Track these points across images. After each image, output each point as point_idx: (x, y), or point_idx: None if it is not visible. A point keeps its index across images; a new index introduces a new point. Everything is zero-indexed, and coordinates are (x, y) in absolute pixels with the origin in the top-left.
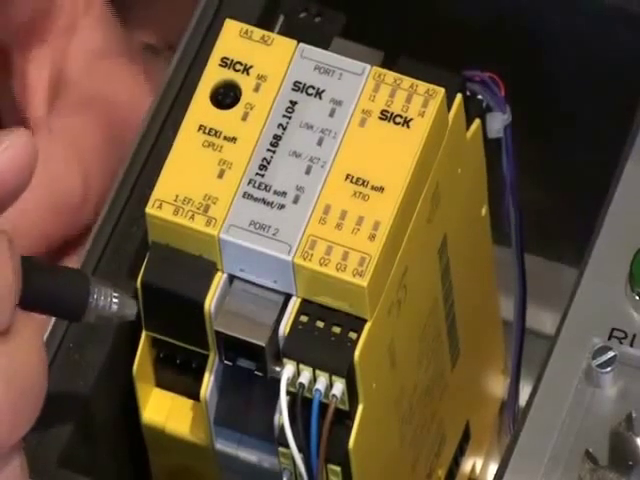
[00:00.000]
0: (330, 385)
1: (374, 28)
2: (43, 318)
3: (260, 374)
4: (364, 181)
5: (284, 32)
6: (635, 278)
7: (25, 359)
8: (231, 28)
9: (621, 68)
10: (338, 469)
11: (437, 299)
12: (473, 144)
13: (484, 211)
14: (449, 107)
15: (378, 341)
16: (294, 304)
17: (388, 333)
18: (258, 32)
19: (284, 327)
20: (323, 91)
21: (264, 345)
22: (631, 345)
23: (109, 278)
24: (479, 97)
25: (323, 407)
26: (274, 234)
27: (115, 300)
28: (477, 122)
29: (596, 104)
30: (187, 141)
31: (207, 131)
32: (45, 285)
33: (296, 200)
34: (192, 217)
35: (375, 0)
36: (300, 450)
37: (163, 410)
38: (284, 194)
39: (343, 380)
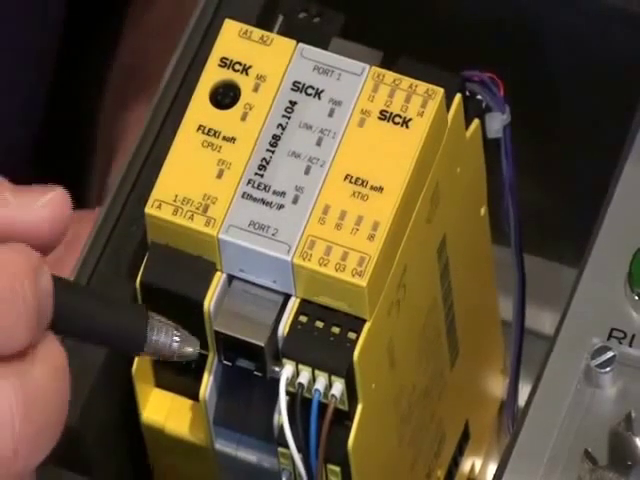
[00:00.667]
0: (329, 385)
1: (373, 28)
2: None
3: (259, 374)
4: (363, 181)
5: (283, 32)
6: (634, 278)
7: (47, 385)
8: (230, 28)
9: (621, 68)
10: (337, 469)
11: (436, 299)
12: (472, 144)
13: (483, 211)
14: (448, 107)
15: (377, 341)
16: (293, 304)
17: (387, 333)
18: (257, 32)
19: (283, 327)
20: (322, 91)
21: (263, 345)
22: (630, 345)
23: (109, 278)
24: (478, 97)
25: (322, 407)
26: (273, 234)
27: (176, 338)
28: (476, 122)
29: (596, 104)
30: (186, 141)
31: (206, 131)
32: (102, 317)
33: (295, 200)
34: (191, 217)
35: (374, 0)
36: (299, 450)
37: (162, 410)
38: (283, 194)
39: (342, 380)
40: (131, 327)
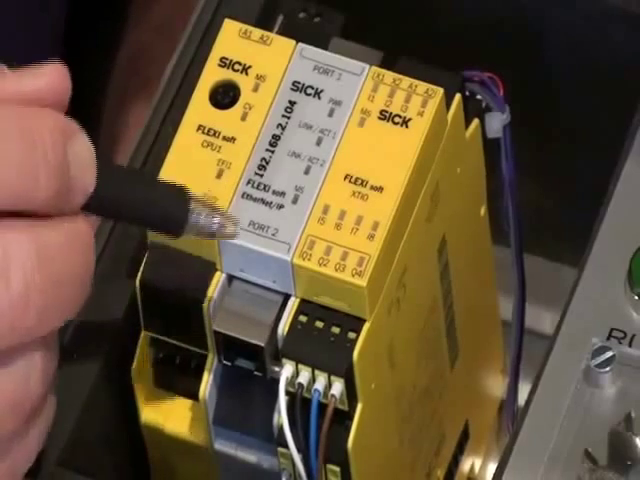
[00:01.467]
0: (329, 385)
1: (373, 28)
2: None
3: (259, 374)
4: (363, 181)
5: (283, 32)
6: (634, 278)
7: (65, 252)
8: (230, 28)
9: (621, 68)
10: (337, 469)
11: (436, 299)
12: (472, 144)
13: (483, 211)
14: (448, 107)
15: (377, 341)
16: (293, 304)
17: (387, 333)
18: (257, 32)
19: (283, 327)
20: (322, 91)
21: (263, 345)
22: (630, 345)
23: (109, 278)
24: (478, 97)
25: (322, 407)
26: (273, 234)
27: (216, 220)
28: (476, 122)
29: (596, 104)
30: (186, 141)
31: (206, 131)
32: (144, 196)
33: (295, 200)
34: None
35: (374, 0)
36: (299, 450)
37: (162, 410)
38: (283, 194)
39: (342, 380)
40: (172, 208)
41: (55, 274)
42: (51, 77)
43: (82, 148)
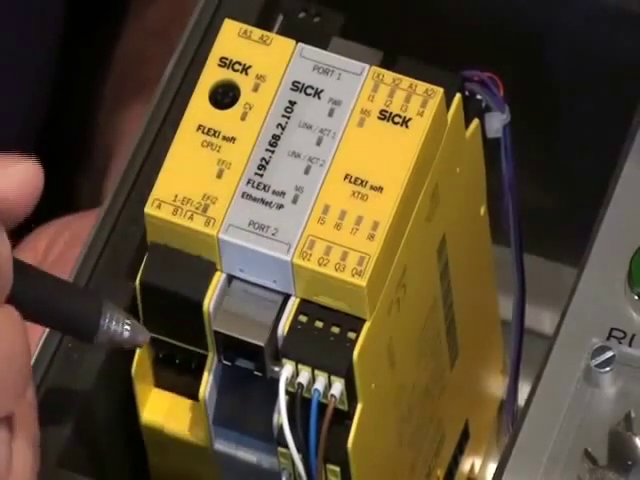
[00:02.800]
0: (329, 385)
1: (373, 28)
2: None
3: (259, 374)
4: (363, 181)
5: (283, 32)
6: (634, 278)
7: (5, 329)
8: (230, 28)
9: (621, 68)
10: (337, 469)
11: (436, 299)
12: (472, 144)
13: (483, 211)
14: (448, 107)
15: (377, 341)
16: (293, 304)
17: (387, 333)
18: (257, 32)
19: (283, 327)
20: (322, 91)
21: (263, 345)
22: (630, 345)
23: (108, 278)
24: (478, 97)
25: (322, 407)
26: (273, 234)
27: (127, 327)
28: (476, 122)
29: (596, 104)
30: (186, 141)
31: (206, 131)
32: (56, 301)
33: (295, 200)
34: (191, 217)
35: (374, 0)
36: (299, 450)
37: (162, 410)
38: (283, 194)
39: (342, 380)
40: (84, 314)
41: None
42: (22, 178)
43: (3, 246)
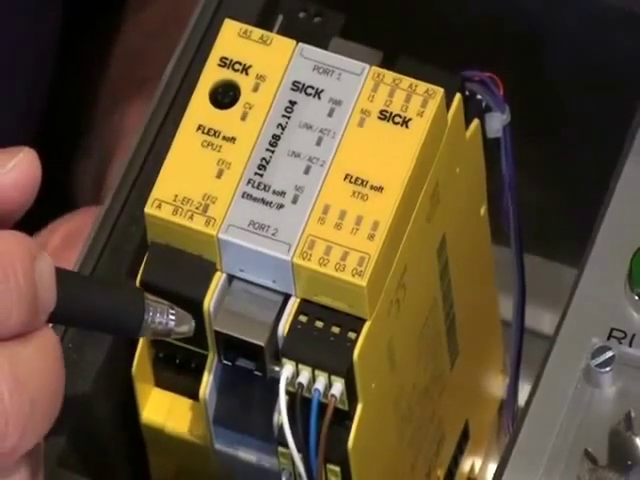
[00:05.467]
0: (329, 385)
1: (373, 28)
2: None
3: (259, 374)
4: (363, 181)
5: (283, 32)
6: (634, 278)
7: (41, 367)
8: (230, 28)
9: (621, 68)
10: (337, 469)
11: (436, 298)
12: (472, 144)
13: (483, 211)
14: (448, 107)
15: (377, 341)
16: (293, 304)
17: (387, 333)
18: (257, 32)
19: (283, 327)
20: (322, 91)
21: (263, 345)
22: (630, 345)
23: (108, 277)
24: (478, 97)
25: (322, 407)
26: (273, 234)
27: (172, 317)
28: (476, 122)
29: (596, 104)
30: (186, 141)
31: (206, 131)
32: (100, 303)
33: (295, 200)
34: (191, 217)
35: (374, 0)
36: (299, 450)
37: (162, 410)
38: (283, 194)
39: (342, 380)
40: (128, 311)
41: (33, 395)
42: (19, 171)
43: (45, 267)
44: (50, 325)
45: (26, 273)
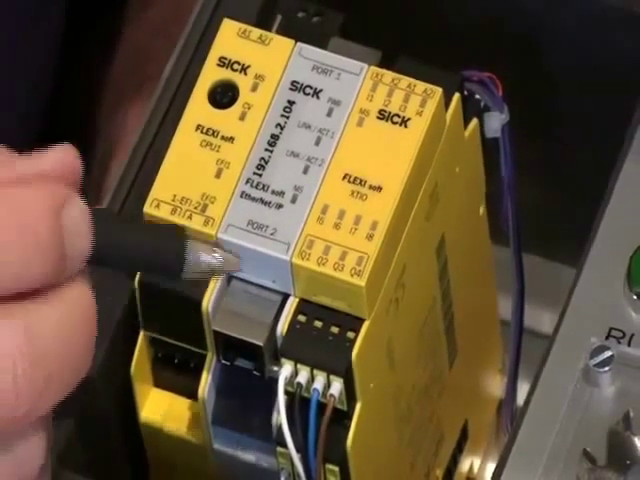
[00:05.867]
0: (328, 385)
1: (373, 28)
2: None
3: (258, 374)
4: (362, 180)
5: (282, 32)
6: (633, 278)
7: (64, 327)
8: (229, 28)
9: (621, 68)
10: (336, 469)
11: (435, 298)
12: (471, 143)
13: (482, 210)
14: (447, 107)
15: (376, 340)
16: (292, 304)
17: (386, 332)
18: (256, 32)
19: (282, 327)
20: (321, 91)
21: (262, 345)
22: (629, 345)
23: (108, 278)
24: (477, 97)
25: (321, 407)
26: (272, 234)
27: (216, 255)
28: (475, 121)
29: (596, 104)
30: (185, 141)
31: (205, 131)
32: (139, 243)
33: (294, 200)
34: (190, 217)
35: (374, 0)
36: (298, 450)
37: (161, 410)
38: (282, 194)
39: (341, 380)
40: (170, 250)
41: (52, 361)
42: (55, 159)
43: (76, 213)
44: (85, 281)
45: (47, 220)
